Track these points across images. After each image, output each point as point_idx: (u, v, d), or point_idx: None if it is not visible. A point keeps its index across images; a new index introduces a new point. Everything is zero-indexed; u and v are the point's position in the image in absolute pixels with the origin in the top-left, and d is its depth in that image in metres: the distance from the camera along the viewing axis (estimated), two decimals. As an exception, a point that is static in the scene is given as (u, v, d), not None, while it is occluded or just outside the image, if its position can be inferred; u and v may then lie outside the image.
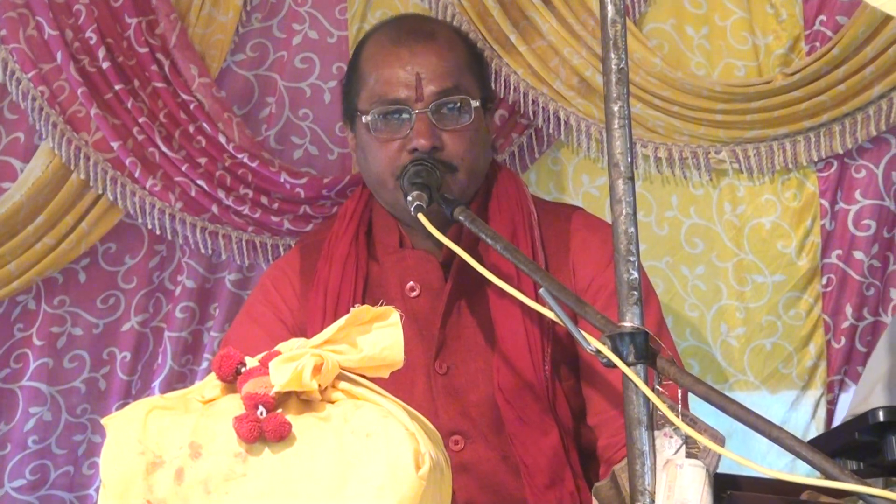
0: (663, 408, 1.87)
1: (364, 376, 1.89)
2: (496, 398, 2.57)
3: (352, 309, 1.86)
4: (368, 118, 2.63)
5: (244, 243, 3.17)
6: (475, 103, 2.63)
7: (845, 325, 3.19)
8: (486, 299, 2.61)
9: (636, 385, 1.90)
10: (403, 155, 2.59)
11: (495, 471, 2.58)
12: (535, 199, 2.76)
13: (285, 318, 2.69)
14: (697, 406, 2.02)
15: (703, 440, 1.87)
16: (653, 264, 3.20)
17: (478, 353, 2.61)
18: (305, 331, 2.64)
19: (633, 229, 1.96)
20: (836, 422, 3.18)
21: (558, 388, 2.60)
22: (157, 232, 3.13)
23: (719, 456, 1.93)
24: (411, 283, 2.65)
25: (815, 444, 2.54)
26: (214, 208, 3.12)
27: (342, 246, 2.69)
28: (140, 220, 3.13)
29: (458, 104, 2.62)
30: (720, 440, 1.96)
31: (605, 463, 2.56)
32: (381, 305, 2.58)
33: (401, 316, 1.88)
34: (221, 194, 3.10)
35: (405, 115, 2.61)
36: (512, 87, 3.16)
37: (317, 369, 1.82)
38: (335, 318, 2.59)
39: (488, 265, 2.53)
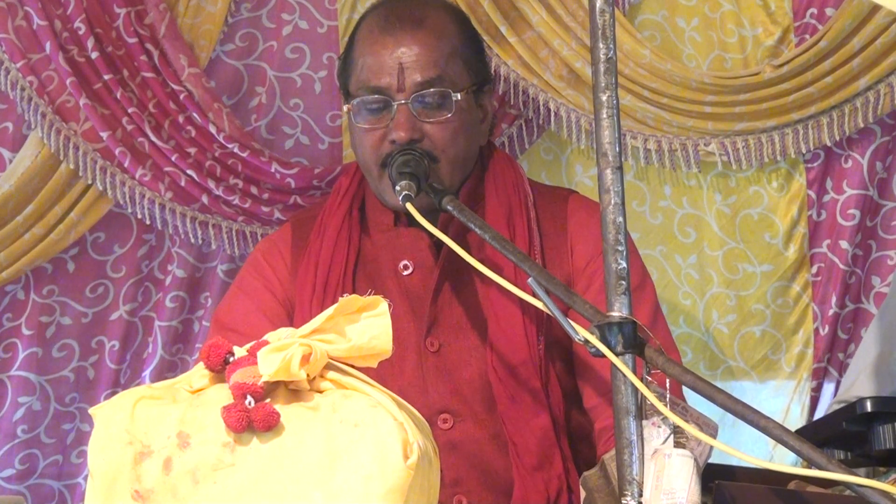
0: (653, 398, 1.88)
1: (353, 366, 1.89)
2: (489, 376, 2.57)
3: (342, 296, 1.86)
4: (353, 105, 2.63)
5: (234, 233, 3.17)
6: (456, 96, 2.61)
7: (831, 313, 3.21)
8: (480, 278, 2.60)
9: (625, 375, 1.90)
10: (385, 144, 2.59)
11: (483, 450, 2.58)
12: (531, 182, 2.76)
13: (275, 290, 2.69)
14: (688, 394, 2.02)
15: (692, 430, 1.88)
16: (647, 253, 3.21)
17: (470, 331, 2.61)
18: (294, 304, 2.65)
19: (621, 219, 1.97)
20: (820, 409, 3.20)
21: (551, 368, 2.60)
22: (147, 221, 3.13)
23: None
24: (405, 261, 2.65)
25: (803, 433, 2.55)
26: (204, 198, 3.11)
27: (335, 220, 2.68)
28: (129, 210, 3.13)
29: (440, 97, 2.61)
30: (713, 428, 1.97)
31: (604, 445, 2.55)
32: (374, 282, 2.61)
33: (389, 305, 1.88)
34: (211, 184, 3.10)
35: (386, 105, 2.61)
36: (502, 78, 3.16)
37: (305, 359, 1.82)
38: (324, 292, 2.60)
39: (483, 251, 2.54)
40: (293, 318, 2.63)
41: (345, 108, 2.66)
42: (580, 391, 2.63)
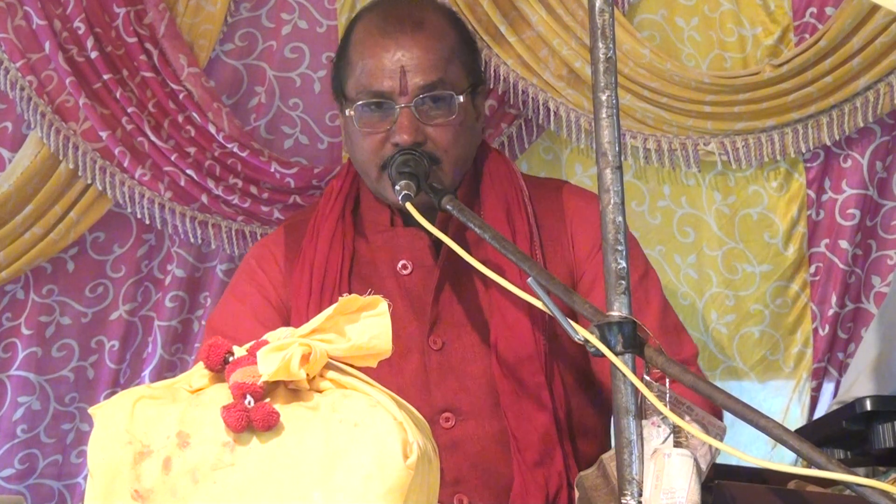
0: (653, 398, 1.88)
1: (352, 365, 1.89)
2: (493, 371, 2.57)
3: (340, 297, 1.86)
4: (353, 110, 2.62)
5: (234, 232, 3.17)
6: (459, 98, 2.62)
7: (830, 313, 3.21)
8: (480, 276, 2.59)
9: (625, 375, 1.90)
10: (387, 147, 2.59)
11: (485, 449, 2.58)
12: (524, 176, 2.76)
13: (269, 295, 2.68)
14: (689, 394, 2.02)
15: (692, 430, 1.88)
16: (646, 252, 3.19)
17: (473, 328, 2.61)
18: (290, 308, 2.64)
19: (620, 218, 1.97)
20: (820, 409, 3.20)
21: (555, 365, 2.60)
22: (146, 221, 3.13)
23: (717, 442, 1.93)
24: (403, 261, 2.65)
25: (803, 433, 2.56)
26: (204, 198, 3.11)
27: (328, 223, 2.68)
28: (129, 210, 3.13)
29: (442, 99, 2.61)
30: (721, 429, 1.97)
31: None
32: (372, 283, 2.60)
33: (389, 306, 1.88)
34: (211, 184, 3.10)
35: (388, 109, 2.60)
36: (501, 78, 3.16)
37: (305, 358, 1.82)
38: (321, 296, 2.60)
39: (483, 249, 2.53)
40: (289, 323, 2.62)
41: (347, 112, 2.65)
42: (600, 382, 2.62)
